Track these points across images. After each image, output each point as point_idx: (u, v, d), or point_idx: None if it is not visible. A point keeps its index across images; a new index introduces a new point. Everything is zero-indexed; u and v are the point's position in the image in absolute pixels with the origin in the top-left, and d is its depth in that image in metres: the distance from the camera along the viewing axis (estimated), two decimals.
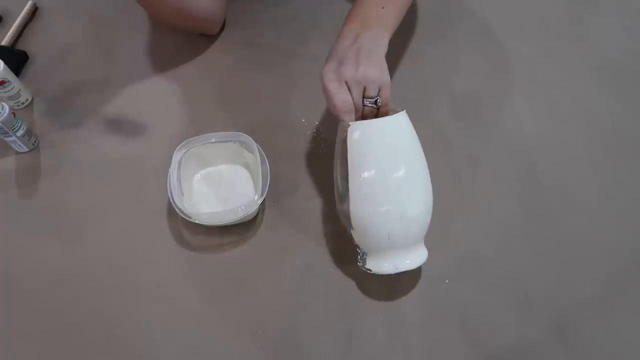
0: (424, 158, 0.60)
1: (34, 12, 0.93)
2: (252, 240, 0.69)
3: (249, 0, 0.93)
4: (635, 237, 0.70)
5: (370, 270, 0.60)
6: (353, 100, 0.57)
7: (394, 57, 0.84)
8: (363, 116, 0.59)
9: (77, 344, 0.63)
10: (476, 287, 0.66)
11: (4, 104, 0.70)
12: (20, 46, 0.88)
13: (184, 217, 0.64)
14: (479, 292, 0.65)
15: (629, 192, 0.73)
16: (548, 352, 0.62)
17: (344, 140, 0.57)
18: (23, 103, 0.80)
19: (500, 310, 0.64)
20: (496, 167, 0.75)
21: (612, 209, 0.72)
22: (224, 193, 0.71)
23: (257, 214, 0.70)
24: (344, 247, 0.68)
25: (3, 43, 0.86)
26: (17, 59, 0.84)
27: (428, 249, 0.61)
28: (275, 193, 0.72)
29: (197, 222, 0.64)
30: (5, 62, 0.74)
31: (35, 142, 0.77)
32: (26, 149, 0.76)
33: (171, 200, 0.64)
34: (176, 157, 0.67)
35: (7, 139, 0.72)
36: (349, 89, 0.56)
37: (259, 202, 0.64)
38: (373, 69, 0.56)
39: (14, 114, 0.71)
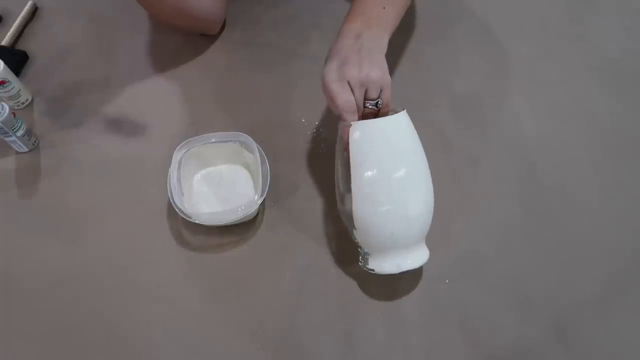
0: (425, 158, 0.60)
1: (34, 12, 0.93)
2: (252, 240, 0.69)
3: (249, 0, 0.93)
4: (635, 237, 0.70)
5: (373, 270, 0.60)
6: (355, 100, 0.57)
7: (394, 57, 0.84)
8: (363, 116, 0.59)
9: (77, 344, 0.63)
10: (476, 287, 0.66)
11: (4, 104, 0.70)
12: (20, 46, 0.88)
13: (184, 217, 0.64)
14: (479, 292, 0.65)
15: (629, 192, 0.73)
16: (548, 352, 0.62)
17: (345, 141, 0.57)
18: (23, 103, 0.80)
19: (500, 310, 0.64)
20: (496, 167, 0.75)
21: (612, 209, 0.72)
22: (224, 193, 0.71)
23: (257, 214, 0.70)
24: (343, 247, 0.68)
25: (3, 43, 0.86)
26: (17, 59, 0.84)
27: (428, 249, 0.61)
28: (275, 193, 0.72)
29: (197, 222, 0.64)
30: (5, 62, 0.74)
31: (35, 142, 0.77)
32: (26, 149, 0.76)
33: (171, 200, 0.64)
34: (176, 157, 0.67)
35: (7, 139, 0.72)
36: (352, 89, 0.56)
37: (259, 202, 0.64)
38: (376, 71, 0.56)
39: (14, 114, 0.71)
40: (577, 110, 0.80)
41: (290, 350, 0.62)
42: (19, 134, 0.72)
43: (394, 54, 0.84)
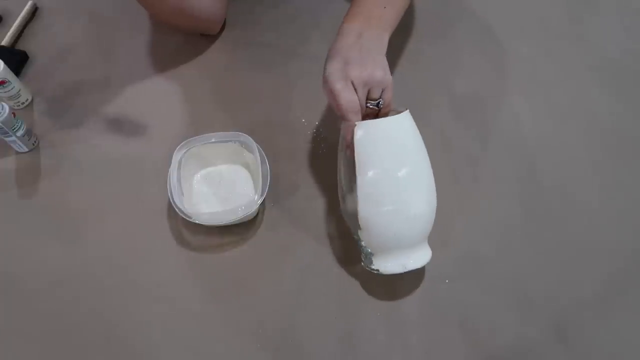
0: (428, 158, 0.60)
1: (34, 12, 0.93)
2: (252, 240, 0.69)
3: (249, 1, 0.93)
4: (635, 237, 0.70)
5: (377, 270, 0.60)
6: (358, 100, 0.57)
7: (394, 57, 0.84)
8: (363, 117, 0.59)
9: (77, 344, 0.63)
10: (476, 287, 0.66)
11: (4, 104, 0.70)
12: (20, 46, 0.88)
13: (184, 217, 0.64)
14: (479, 292, 0.65)
15: (629, 192, 0.73)
16: (548, 352, 0.62)
17: (349, 141, 0.57)
18: (23, 103, 0.80)
19: (500, 310, 0.64)
20: (496, 167, 0.75)
21: (612, 209, 0.72)
22: (224, 193, 0.71)
23: (257, 214, 0.70)
24: (343, 247, 0.68)
25: (3, 43, 0.86)
26: (17, 59, 0.84)
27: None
28: (275, 193, 0.72)
29: (197, 222, 0.64)
30: (5, 62, 0.74)
31: (35, 142, 0.77)
32: (26, 149, 0.76)
33: (171, 200, 0.64)
34: (176, 157, 0.67)
35: (7, 139, 0.72)
36: (354, 89, 0.56)
37: (259, 202, 0.64)
38: (379, 70, 0.56)
39: (14, 114, 0.71)
40: (577, 110, 0.80)
41: (290, 350, 0.62)
42: (19, 134, 0.72)
43: (394, 54, 0.84)
